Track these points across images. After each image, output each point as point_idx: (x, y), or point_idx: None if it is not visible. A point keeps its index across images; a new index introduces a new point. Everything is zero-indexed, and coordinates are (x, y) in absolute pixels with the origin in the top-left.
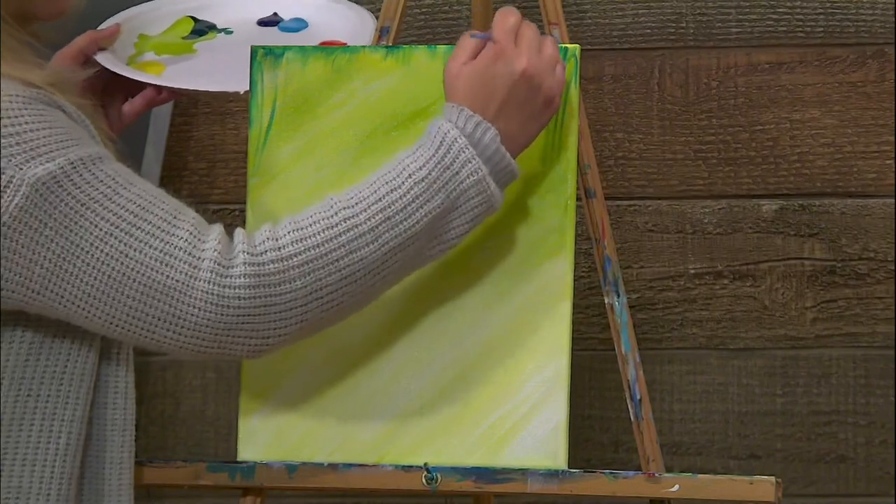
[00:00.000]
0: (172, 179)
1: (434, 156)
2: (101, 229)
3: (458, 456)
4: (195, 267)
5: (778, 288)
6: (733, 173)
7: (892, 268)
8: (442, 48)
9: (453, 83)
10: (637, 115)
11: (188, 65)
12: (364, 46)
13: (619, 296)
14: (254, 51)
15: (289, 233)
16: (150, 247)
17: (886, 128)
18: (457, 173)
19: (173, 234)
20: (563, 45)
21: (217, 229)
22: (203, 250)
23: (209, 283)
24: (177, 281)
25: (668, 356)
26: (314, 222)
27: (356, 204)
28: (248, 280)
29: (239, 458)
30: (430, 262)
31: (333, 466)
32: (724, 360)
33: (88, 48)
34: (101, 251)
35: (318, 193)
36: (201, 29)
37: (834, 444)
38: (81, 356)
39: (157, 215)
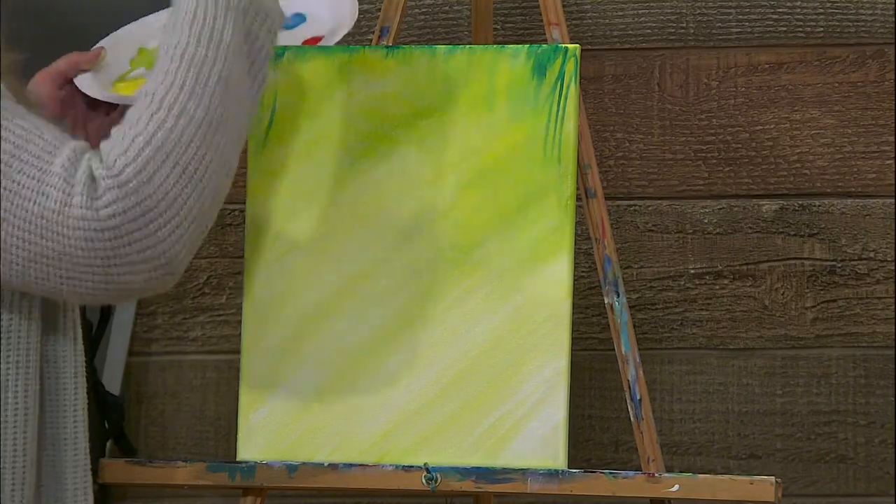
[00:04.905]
0: None
1: None
2: None
3: (458, 456)
4: (69, 195)
5: (778, 288)
6: (733, 173)
7: (892, 268)
8: (442, 48)
9: None
10: (637, 115)
11: None
12: (364, 46)
13: (619, 296)
14: None
15: (125, 136)
16: (29, 177)
17: (886, 128)
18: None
19: (51, 164)
20: (564, 45)
21: (87, 156)
22: (75, 176)
23: (82, 208)
24: (53, 212)
25: (668, 356)
26: (141, 116)
27: (165, 78)
28: (114, 195)
29: (239, 458)
30: (261, 92)
31: (333, 466)
32: (724, 360)
33: (69, 71)
34: None
35: (318, 193)
36: None
37: (834, 444)
38: (23, 329)
39: (38, 146)
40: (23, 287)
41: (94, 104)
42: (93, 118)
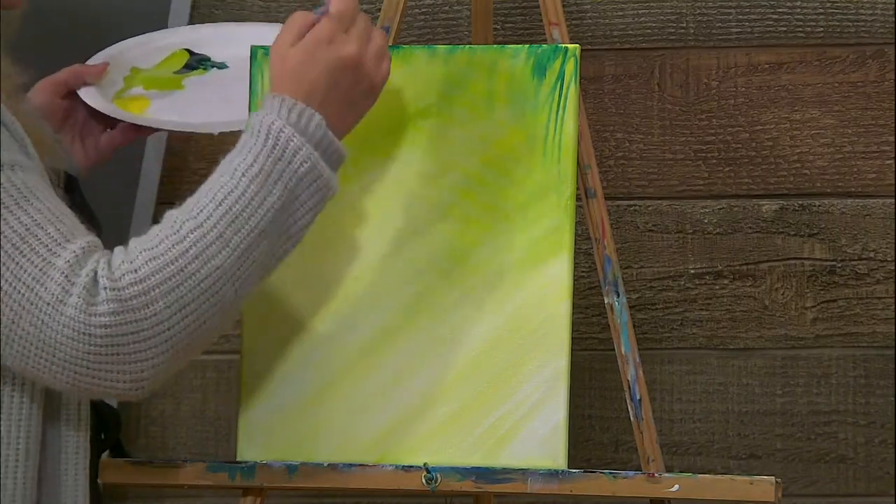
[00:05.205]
0: (172, 179)
1: (263, 149)
2: None
3: (458, 456)
4: (67, 292)
5: (778, 288)
6: (733, 173)
7: (892, 268)
8: (442, 48)
9: (279, 67)
10: (637, 115)
11: (172, 101)
12: None
13: (619, 296)
14: (253, 51)
15: (140, 253)
16: (32, 263)
17: (886, 128)
18: (289, 163)
19: (58, 255)
20: (563, 45)
21: (95, 257)
22: (79, 276)
23: (76, 309)
24: (46, 303)
25: (668, 356)
26: (162, 240)
27: (198, 214)
28: (111, 307)
29: (239, 458)
30: (282, 260)
31: (333, 466)
32: (724, 360)
33: (73, 82)
34: None
35: None
36: (193, 63)
37: (834, 444)
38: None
39: (49, 234)
40: (6, 362)
41: (93, 118)
42: (90, 132)
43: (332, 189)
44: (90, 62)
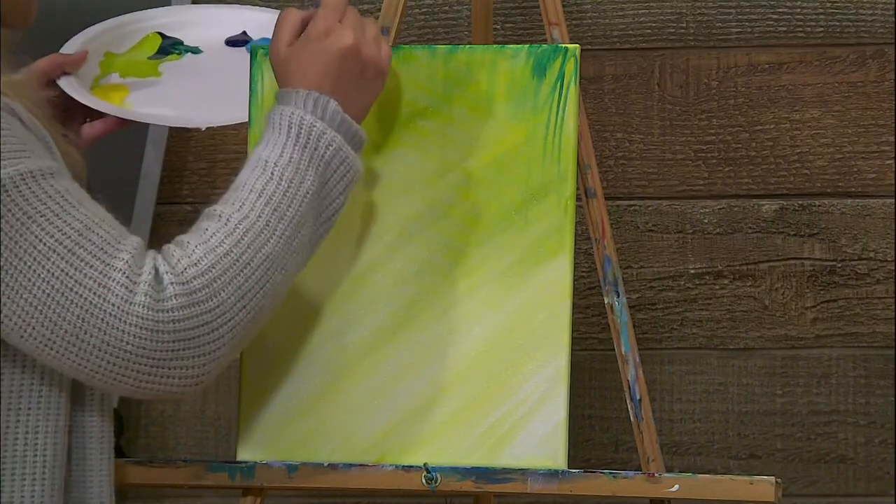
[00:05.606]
0: (172, 179)
1: (288, 140)
2: (44, 244)
3: (457, 456)
4: (132, 292)
5: (778, 288)
6: (733, 173)
7: (892, 268)
8: (442, 48)
9: (282, 67)
10: (637, 115)
11: (152, 91)
12: None
13: (619, 296)
14: (254, 51)
15: (197, 247)
16: (91, 267)
17: (886, 128)
18: (316, 148)
19: (115, 258)
20: (563, 45)
21: (150, 255)
22: (139, 275)
23: (145, 307)
24: (113, 305)
25: (668, 356)
26: (214, 233)
27: (241, 206)
28: (180, 301)
29: (239, 458)
30: (320, 244)
31: (333, 466)
32: (724, 360)
33: (52, 72)
34: (42, 267)
35: None
36: (167, 48)
37: (834, 444)
38: (54, 380)
39: (101, 237)
40: (52, 365)
41: (72, 107)
42: (70, 122)
43: (358, 171)
44: (64, 49)
